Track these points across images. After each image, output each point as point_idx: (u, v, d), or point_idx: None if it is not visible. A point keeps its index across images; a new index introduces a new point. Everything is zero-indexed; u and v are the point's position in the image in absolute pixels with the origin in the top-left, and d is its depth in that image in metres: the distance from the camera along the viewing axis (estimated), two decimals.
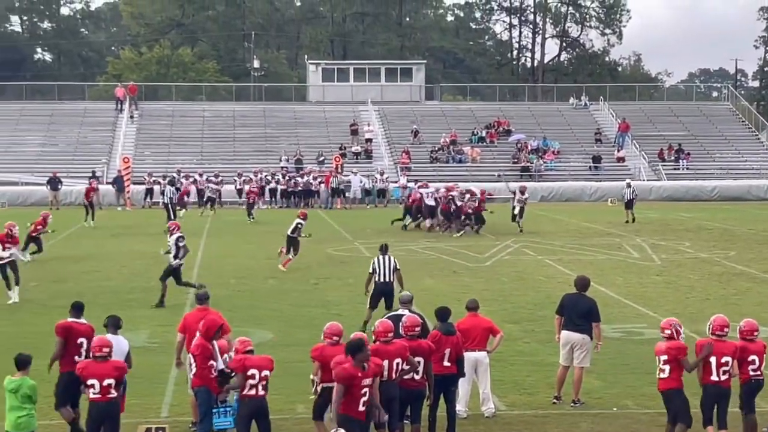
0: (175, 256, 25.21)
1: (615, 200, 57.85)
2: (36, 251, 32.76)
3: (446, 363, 14.45)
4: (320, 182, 60.27)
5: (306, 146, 68.08)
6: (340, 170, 61.09)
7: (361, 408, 12.52)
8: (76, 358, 14.22)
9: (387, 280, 21.25)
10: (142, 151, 68.08)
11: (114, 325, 14.43)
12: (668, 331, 13.94)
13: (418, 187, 45.99)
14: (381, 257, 21.51)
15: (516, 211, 43.33)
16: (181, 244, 25.35)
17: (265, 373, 13.20)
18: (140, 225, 46.70)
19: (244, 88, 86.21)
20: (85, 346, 14.25)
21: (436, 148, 68.67)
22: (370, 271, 21.45)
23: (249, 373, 13.12)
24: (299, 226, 30.94)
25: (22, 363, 13.02)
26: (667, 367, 13.81)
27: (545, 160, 68.10)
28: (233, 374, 13.55)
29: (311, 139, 69.86)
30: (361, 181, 60.72)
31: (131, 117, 71.81)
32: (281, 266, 30.64)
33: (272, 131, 71.89)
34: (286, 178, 60.40)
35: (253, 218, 48.55)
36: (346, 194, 59.83)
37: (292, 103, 78.85)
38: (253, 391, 13.16)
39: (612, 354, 19.52)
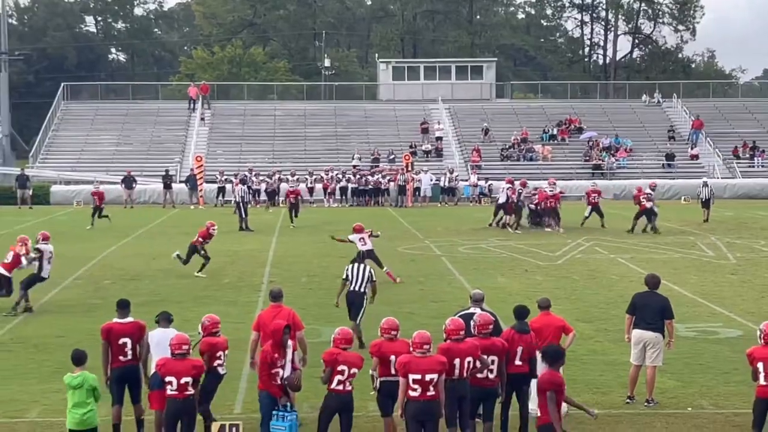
0: (39, 267, 24.31)
1: (689, 198, 57.31)
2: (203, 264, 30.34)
3: (518, 362, 14.30)
4: (389, 180, 60.39)
5: (377, 144, 68.11)
6: (410, 168, 60.96)
7: None
8: (121, 357, 14.56)
9: (357, 289, 19.88)
10: (215, 149, 68.57)
11: (166, 319, 14.77)
12: None
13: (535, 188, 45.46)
14: (356, 266, 20.33)
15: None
16: (34, 256, 24.23)
17: (354, 370, 13.41)
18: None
19: (315, 86, 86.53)
20: (129, 345, 14.57)
21: (507, 146, 68.39)
22: (343, 277, 20.20)
23: (339, 368, 13.30)
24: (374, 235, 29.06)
25: (79, 359, 13.27)
26: None
27: (617, 157, 67.59)
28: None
29: (382, 138, 69.88)
30: (431, 180, 60.71)
31: (202, 119, 72.58)
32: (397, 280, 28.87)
33: (343, 129, 72.06)
34: (357, 176, 60.49)
35: (293, 224, 45.06)
36: (420, 193, 60.02)
37: (363, 101, 78.94)
38: (340, 387, 13.36)
39: (687, 353, 19.35)
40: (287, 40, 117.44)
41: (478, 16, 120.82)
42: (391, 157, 65.72)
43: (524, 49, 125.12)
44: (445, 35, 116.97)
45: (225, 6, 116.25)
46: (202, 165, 60.37)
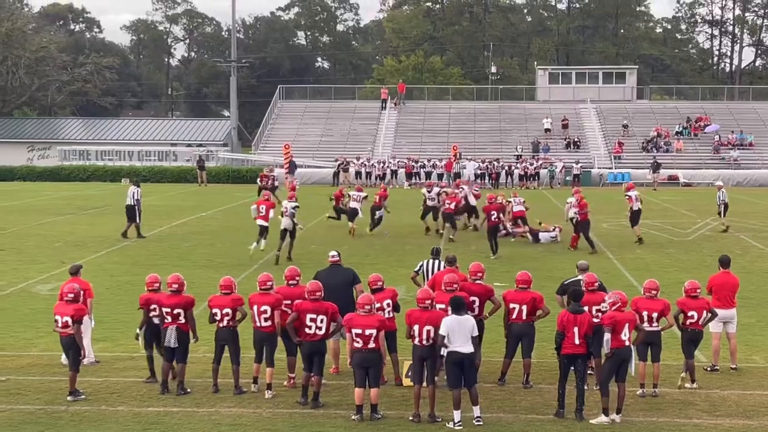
0: None
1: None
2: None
3: (576, 341, 12.73)
4: (542, 167, 60.48)
5: (534, 137, 67.54)
6: (457, 158, 60.84)
7: None
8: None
9: None
10: (400, 141, 69.04)
11: None
12: None
13: None
14: (431, 261, 16.21)
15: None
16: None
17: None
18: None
19: (483, 89, 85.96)
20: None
21: (646, 140, 66.83)
22: (416, 270, 16.28)
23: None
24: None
25: None
26: None
27: (741, 150, 65.22)
28: None
29: (538, 132, 69.15)
30: (474, 167, 60.07)
31: (395, 104, 74.12)
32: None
33: (506, 125, 71.58)
34: (523, 163, 60.79)
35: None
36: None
37: (523, 101, 78.13)
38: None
39: None
40: (461, 51, 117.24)
41: (622, 31, 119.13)
42: (547, 148, 65.31)
43: (661, 58, 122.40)
44: (594, 46, 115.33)
45: (410, 22, 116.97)
46: (289, 152, 60.36)
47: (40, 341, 16.99)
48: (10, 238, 31.76)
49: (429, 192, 33.08)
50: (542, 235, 31.00)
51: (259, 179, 46.81)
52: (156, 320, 14.22)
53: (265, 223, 27.08)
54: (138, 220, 31.69)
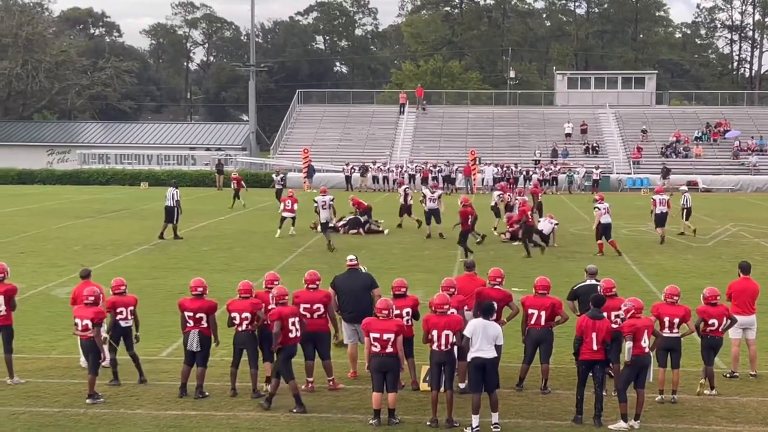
0: None
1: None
2: None
3: (594, 347, 12.61)
4: (560, 172, 60.34)
5: (553, 142, 67.37)
6: (476, 162, 60.60)
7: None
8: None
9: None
10: (418, 146, 69.02)
11: None
12: None
13: None
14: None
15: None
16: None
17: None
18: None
19: (502, 94, 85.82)
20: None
21: (665, 146, 66.59)
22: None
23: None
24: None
25: None
26: None
27: (761, 156, 64.86)
28: None
29: (557, 137, 68.97)
30: (493, 171, 60.11)
31: (422, 108, 74.92)
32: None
33: (524, 130, 71.48)
34: (541, 168, 60.65)
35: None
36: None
37: (542, 106, 78.00)
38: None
39: None
40: (479, 55, 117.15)
41: (641, 35, 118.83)
42: (566, 153, 65.24)
43: (680, 63, 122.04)
44: (613, 51, 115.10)
45: (429, 27, 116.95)
46: (308, 156, 60.31)
47: (60, 344, 17.06)
48: (29, 241, 31.94)
49: (432, 193, 32.83)
50: (543, 225, 30.90)
51: (235, 183, 46.50)
52: (123, 323, 14.37)
53: (290, 215, 31.33)
54: (176, 221, 32.29)
